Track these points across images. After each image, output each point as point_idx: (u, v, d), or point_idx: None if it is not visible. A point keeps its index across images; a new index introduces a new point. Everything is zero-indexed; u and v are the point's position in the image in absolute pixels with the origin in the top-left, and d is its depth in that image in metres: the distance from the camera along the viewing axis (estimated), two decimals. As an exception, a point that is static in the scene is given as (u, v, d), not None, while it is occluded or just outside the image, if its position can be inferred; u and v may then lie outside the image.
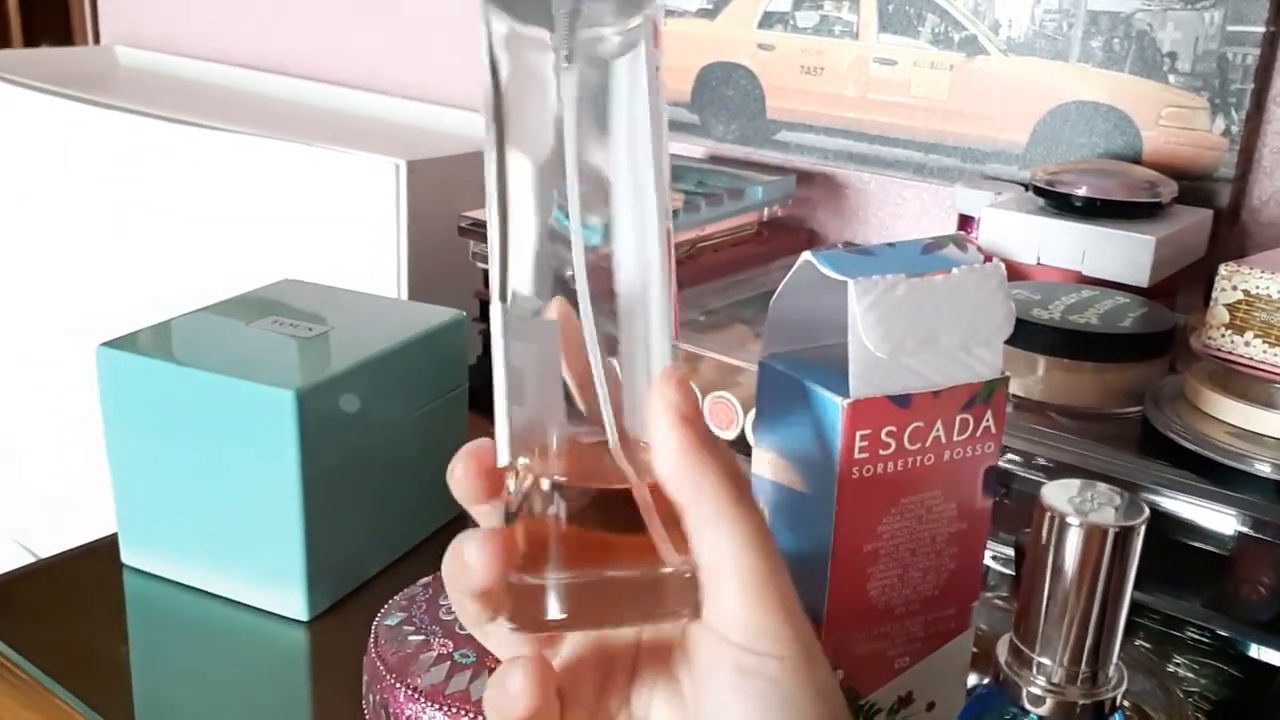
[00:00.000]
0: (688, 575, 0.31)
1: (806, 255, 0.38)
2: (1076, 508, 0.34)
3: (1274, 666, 0.49)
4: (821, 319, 0.39)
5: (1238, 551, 0.49)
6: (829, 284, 0.37)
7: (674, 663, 0.33)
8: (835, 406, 0.36)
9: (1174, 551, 0.50)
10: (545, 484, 0.32)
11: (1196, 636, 0.51)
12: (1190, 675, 0.51)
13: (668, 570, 0.31)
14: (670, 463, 0.31)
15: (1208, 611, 0.50)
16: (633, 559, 0.31)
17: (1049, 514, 0.34)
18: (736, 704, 0.30)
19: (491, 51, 0.32)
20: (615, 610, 0.32)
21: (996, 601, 0.53)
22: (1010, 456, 0.53)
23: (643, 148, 0.32)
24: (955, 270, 0.38)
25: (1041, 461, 0.53)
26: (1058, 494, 0.35)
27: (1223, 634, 0.50)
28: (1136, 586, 0.37)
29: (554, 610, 0.31)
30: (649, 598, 0.31)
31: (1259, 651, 0.49)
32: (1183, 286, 0.70)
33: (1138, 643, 0.51)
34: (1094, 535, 0.34)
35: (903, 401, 0.37)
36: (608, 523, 0.32)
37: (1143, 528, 0.34)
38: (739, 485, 0.31)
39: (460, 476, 0.33)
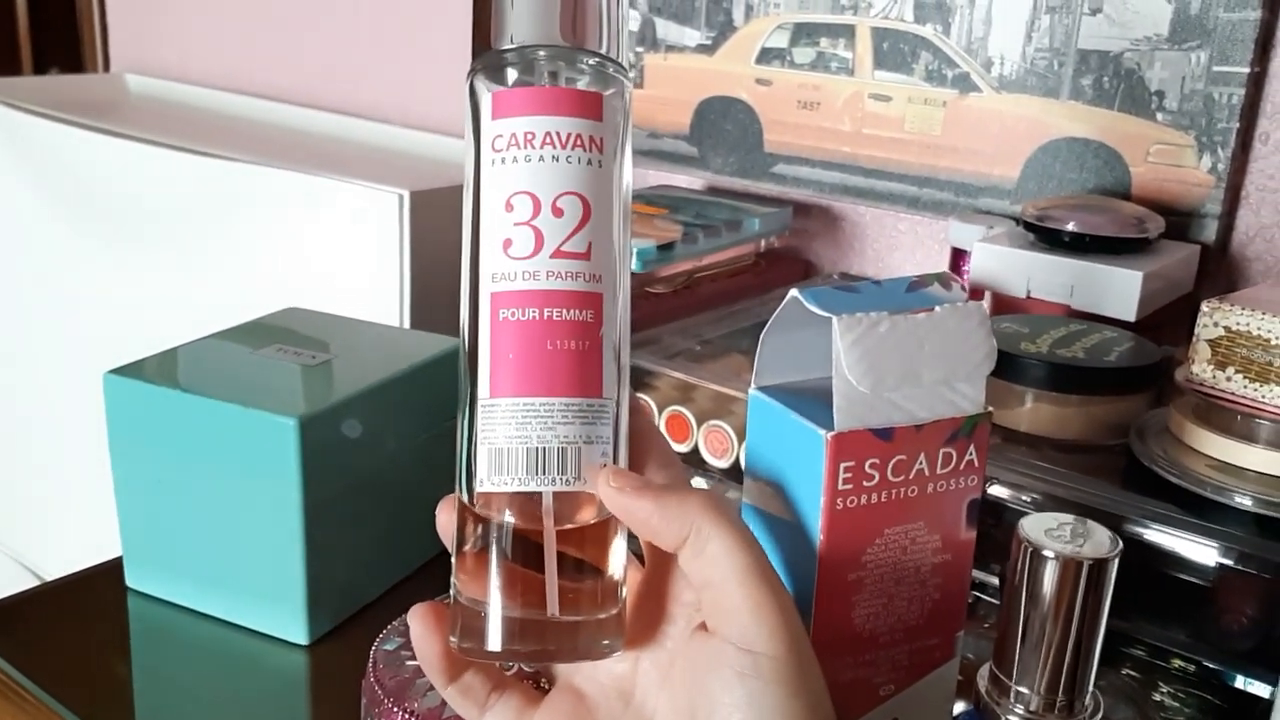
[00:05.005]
0: (616, 613, 0.34)
1: (794, 292, 0.39)
2: (1053, 540, 0.35)
3: (1256, 696, 0.49)
4: (809, 352, 0.40)
5: (1219, 583, 0.50)
6: (816, 319, 0.38)
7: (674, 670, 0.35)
8: (819, 439, 0.37)
9: (1157, 583, 0.51)
10: (496, 522, 0.33)
11: (1182, 666, 0.52)
12: (1175, 705, 0.52)
13: (600, 615, 0.34)
14: (655, 517, 0.33)
15: (1190, 642, 0.51)
16: (570, 596, 0.33)
17: (1025, 546, 0.35)
18: (729, 703, 0.32)
19: (476, 117, 0.34)
20: (551, 645, 0.34)
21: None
22: (997, 488, 0.54)
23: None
24: (938, 308, 0.39)
25: (1027, 495, 0.54)
26: (1035, 526, 0.36)
27: (1206, 664, 0.51)
28: (1121, 616, 0.38)
29: (493, 638, 0.33)
30: (585, 635, 0.33)
31: (1243, 682, 0.50)
32: (1170, 320, 0.71)
33: (1124, 672, 0.52)
34: (1069, 567, 0.35)
35: (886, 435, 0.38)
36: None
37: (1117, 560, 0.35)
38: (720, 505, 0.33)
39: (443, 525, 0.35)
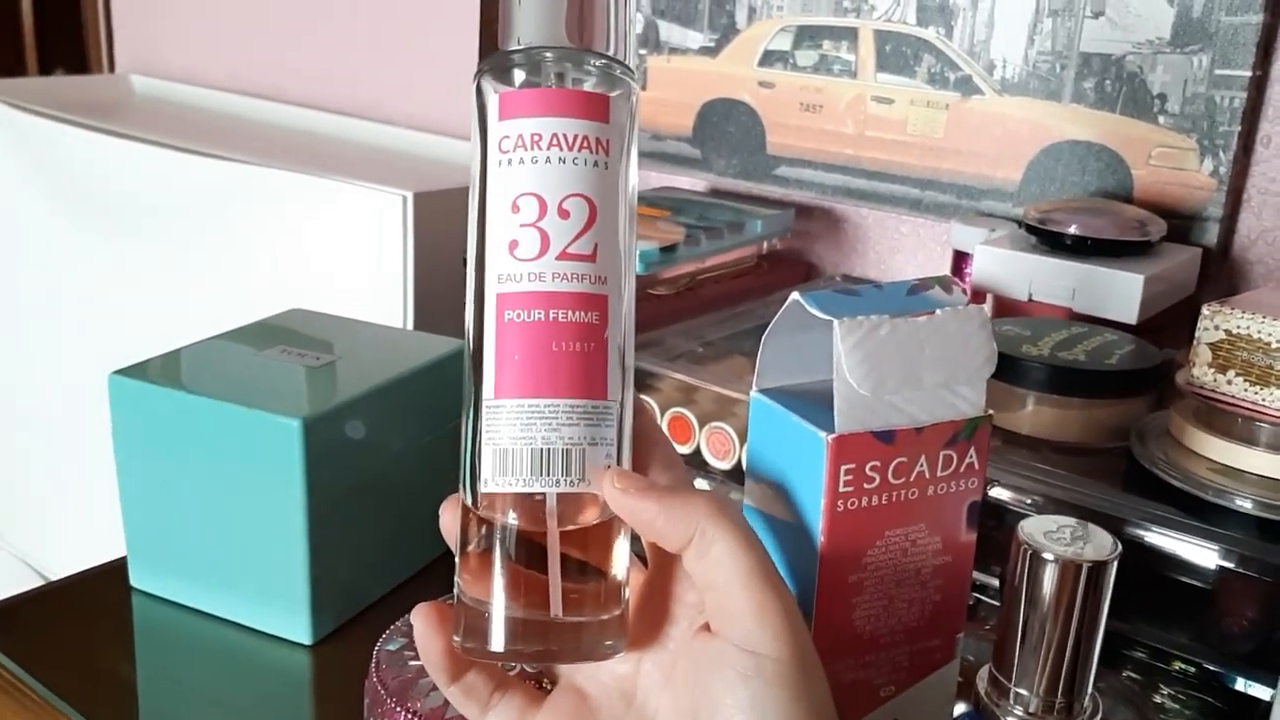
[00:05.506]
0: (618, 614, 0.34)
1: (795, 295, 0.39)
2: (1052, 542, 0.36)
3: (1256, 699, 0.50)
4: (811, 355, 0.40)
5: (1220, 585, 0.50)
6: (817, 322, 0.38)
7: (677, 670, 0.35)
8: (820, 441, 0.37)
9: (1158, 585, 0.51)
10: (500, 523, 0.34)
11: (1182, 669, 0.52)
12: (1175, 707, 0.52)
13: (603, 616, 0.34)
14: (660, 519, 0.33)
15: (1191, 644, 0.51)
16: (573, 597, 0.34)
17: (1025, 548, 0.36)
18: (731, 704, 0.32)
19: (483, 118, 0.34)
20: (553, 646, 0.34)
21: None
22: (998, 491, 0.54)
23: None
24: (939, 312, 0.39)
25: (1027, 497, 0.54)
26: (1034, 528, 0.36)
27: (1207, 666, 0.51)
28: (1122, 619, 0.38)
29: (496, 638, 0.33)
30: (588, 636, 0.34)
31: (1244, 684, 0.50)
32: (1172, 323, 0.71)
33: (1124, 674, 0.52)
34: (1068, 569, 0.35)
35: (887, 437, 0.38)
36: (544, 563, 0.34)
37: (1116, 563, 0.35)
38: (725, 507, 0.33)
39: (447, 525, 0.36)
